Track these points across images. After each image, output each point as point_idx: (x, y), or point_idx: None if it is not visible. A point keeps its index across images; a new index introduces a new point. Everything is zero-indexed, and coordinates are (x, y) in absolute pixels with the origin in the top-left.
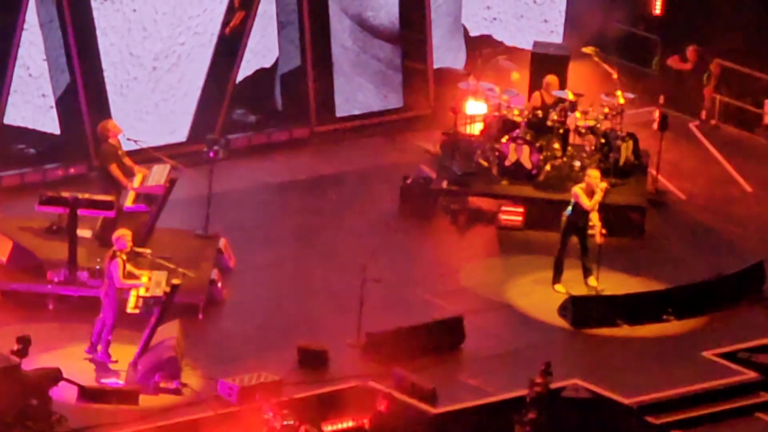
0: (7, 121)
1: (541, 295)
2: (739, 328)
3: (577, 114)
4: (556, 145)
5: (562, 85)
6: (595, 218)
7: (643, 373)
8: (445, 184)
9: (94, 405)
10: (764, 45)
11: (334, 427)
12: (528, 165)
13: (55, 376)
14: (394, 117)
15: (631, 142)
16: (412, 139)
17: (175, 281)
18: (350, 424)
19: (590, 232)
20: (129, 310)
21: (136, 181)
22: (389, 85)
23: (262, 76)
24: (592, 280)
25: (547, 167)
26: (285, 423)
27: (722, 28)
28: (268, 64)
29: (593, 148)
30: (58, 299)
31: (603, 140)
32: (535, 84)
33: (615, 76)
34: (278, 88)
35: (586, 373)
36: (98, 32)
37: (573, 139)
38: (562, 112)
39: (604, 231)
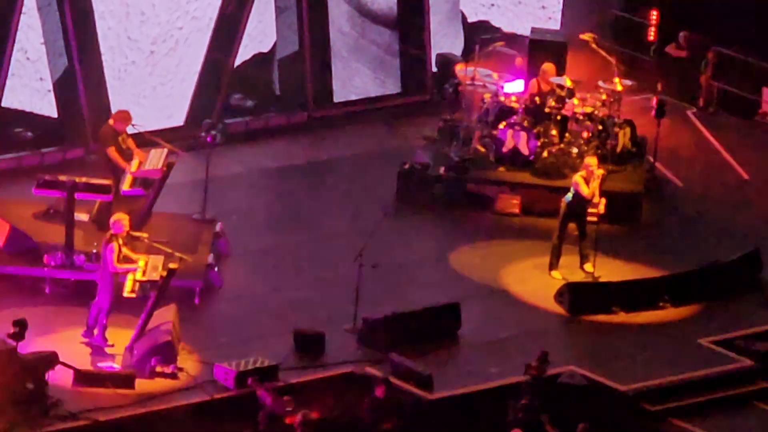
0: (4, 104)
1: (537, 281)
2: (736, 315)
3: (575, 101)
4: (554, 132)
5: (560, 72)
6: (601, 205)
7: (639, 360)
8: (442, 170)
9: (89, 389)
10: (762, 32)
11: None
12: (525, 151)
13: (51, 359)
14: (392, 102)
15: (628, 129)
16: (410, 125)
17: (172, 265)
18: None
19: (590, 219)
20: (125, 294)
21: (133, 165)
22: (387, 71)
23: (260, 60)
24: (588, 266)
25: (545, 154)
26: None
27: (719, 15)
28: (266, 49)
29: (591, 134)
30: (55, 283)
31: (600, 127)
32: (532, 71)
33: (613, 62)
34: (276, 73)
35: (582, 359)
36: (96, 16)
37: (570, 125)
38: (560, 99)
39: (600, 210)
